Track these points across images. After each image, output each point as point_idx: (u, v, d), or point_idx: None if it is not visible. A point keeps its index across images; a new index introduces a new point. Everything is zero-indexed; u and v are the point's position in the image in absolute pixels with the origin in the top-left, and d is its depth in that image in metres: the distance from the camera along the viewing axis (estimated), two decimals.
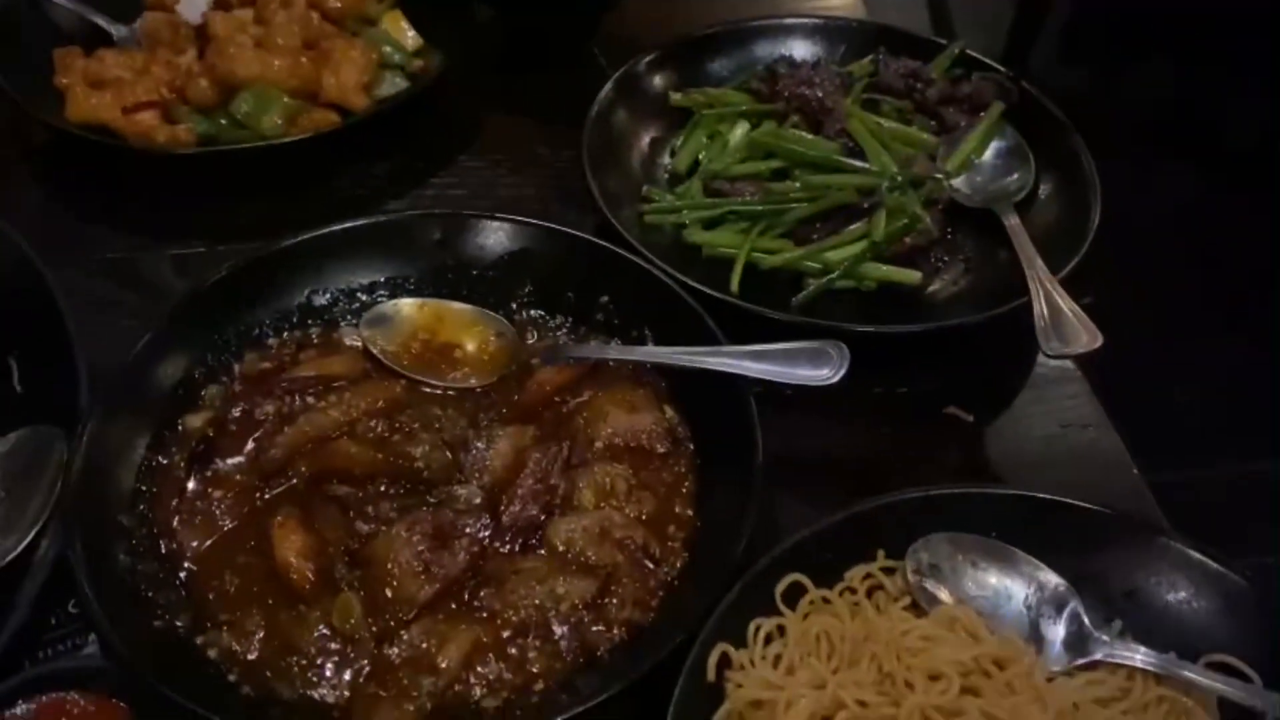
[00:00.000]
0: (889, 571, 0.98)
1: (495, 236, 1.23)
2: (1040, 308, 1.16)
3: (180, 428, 1.08)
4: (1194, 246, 1.51)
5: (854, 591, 0.96)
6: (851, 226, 1.31)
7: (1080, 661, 0.94)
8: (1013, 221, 1.30)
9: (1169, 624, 0.96)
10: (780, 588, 0.95)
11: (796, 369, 1.07)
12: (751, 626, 0.93)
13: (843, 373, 1.06)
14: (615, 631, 0.95)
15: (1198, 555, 0.97)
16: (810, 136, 1.39)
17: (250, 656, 0.93)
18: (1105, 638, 0.95)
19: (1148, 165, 1.48)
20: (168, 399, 1.09)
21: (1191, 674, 0.91)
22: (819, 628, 0.93)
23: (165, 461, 1.06)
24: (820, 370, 1.07)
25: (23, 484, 1.02)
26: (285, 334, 1.17)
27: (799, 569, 0.96)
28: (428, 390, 1.14)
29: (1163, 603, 0.97)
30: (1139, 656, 0.93)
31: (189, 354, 1.12)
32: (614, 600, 0.96)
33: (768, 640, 0.93)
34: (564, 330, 1.20)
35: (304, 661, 0.93)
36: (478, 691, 0.91)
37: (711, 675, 0.89)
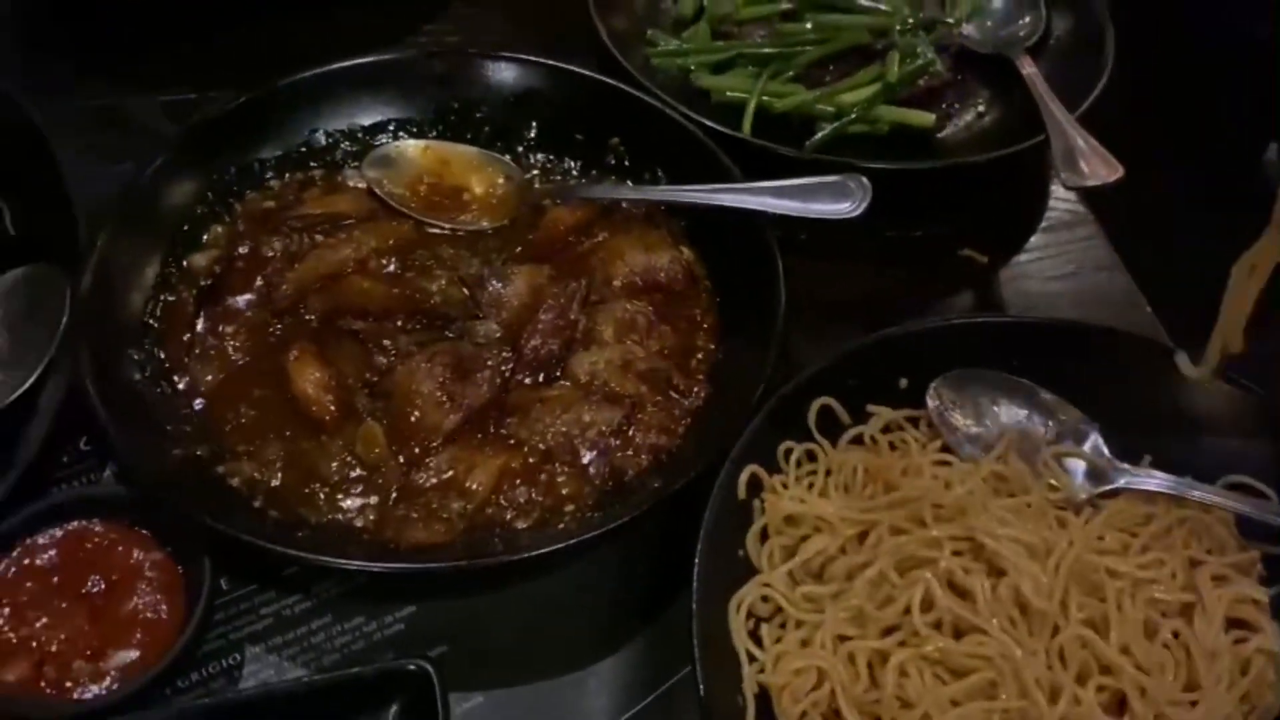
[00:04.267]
0: (914, 421, 0.98)
1: (500, 76, 1.19)
2: (1058, 142, 1.14)
3: (185, 265, 1.05)
4: (1209, 86, 1.49)
5: (888, 430, 0.96)
6: (864, 69, 1.28)
7: (1103, 489, 0.94)
8: (1028, 69, 1.28)
9: (1187, 449, 0.97)
10: (812, 412, 0.94)
11: (817, 203, 1.06)
12: (781, 449, 0.93)
13: (865, 205, 1.04)
14: (642, 457, 0.94)
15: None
16: None
17: (274, 483, 0.92)
18: (1125, 465, 0.96)
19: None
20: (171, 235, 1.06)
21: (1210, 495, 0.93)
22: (855, 461, 0.93)
23: (172, 299, 1.03)
24: (841, 204, 1.05)
25: (25, 322, 0.99)
26: (287, 175, 1.14)
27: (827, 393, 0.95)
28: (436, 231, 1.11)
29: (1181, 429, 0.98)
30: (1158, 481, 0.94)
31: (191, 190, 1.08)
32: (639, 427, 0.96)
33: (798, 466, 0.93)
34: (574, 173, 1.17)
35: (328, 489, 0.92)
36: (509, 514, 0.91)
37: (743, 493, 0.89)
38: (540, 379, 1.00)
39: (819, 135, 1.25)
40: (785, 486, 0.91)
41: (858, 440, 0.96)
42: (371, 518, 0.90)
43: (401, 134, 1.18)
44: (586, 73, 1.19)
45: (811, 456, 0.94)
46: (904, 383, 0.99)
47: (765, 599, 0.86)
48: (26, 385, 0.94)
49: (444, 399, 0.96)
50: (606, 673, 0.89)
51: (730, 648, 0.83)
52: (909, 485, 0.91)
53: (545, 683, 0.88)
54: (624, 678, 0.88)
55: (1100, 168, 1.11)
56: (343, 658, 0.89)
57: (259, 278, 1.04)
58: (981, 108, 1.31)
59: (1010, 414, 0.99)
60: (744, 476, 0.90)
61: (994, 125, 1.29)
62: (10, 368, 0.97)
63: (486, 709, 0.86)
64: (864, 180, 1.06)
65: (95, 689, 0.81)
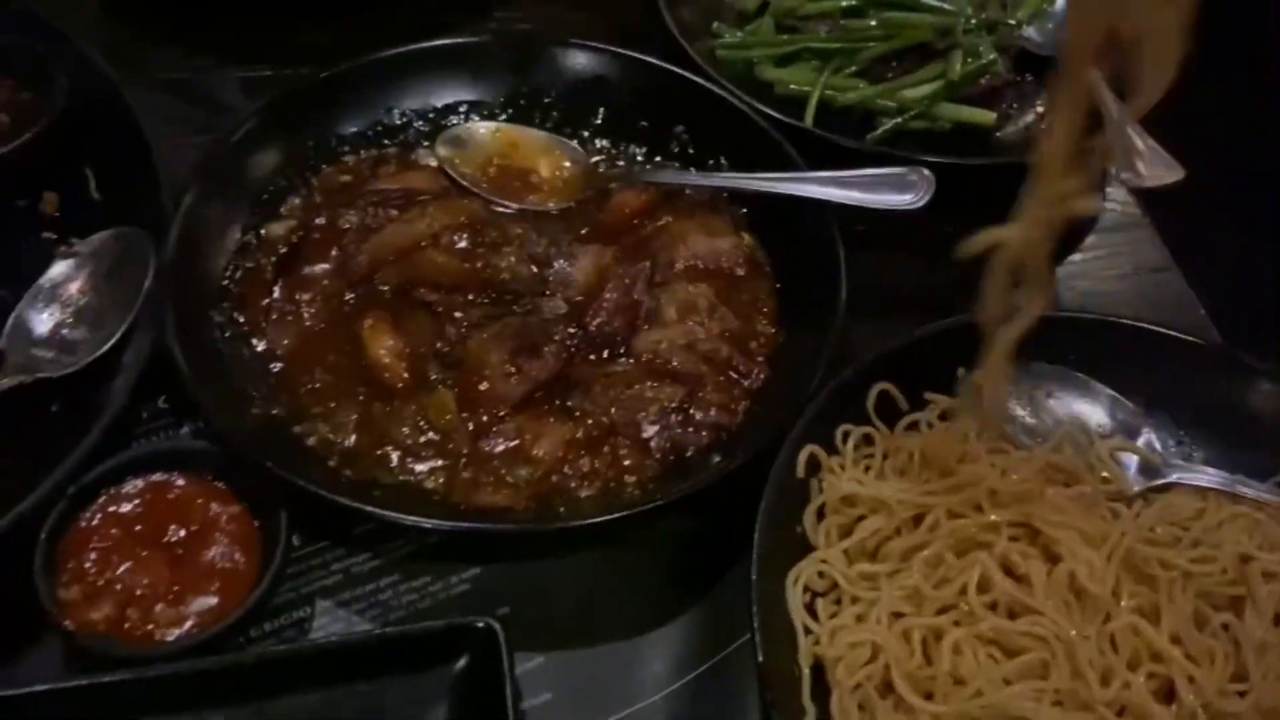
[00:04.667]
0: None
1: (570, 63, 1.22)
2: (1117, 143, 1.15)
3: (263, 234, 1.09)
4: (1270, 88, 1.49)
5: (945, 418, 0.98)
6: (926, 67, 1.30)
7: (1155, 483, 0.96)
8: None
9: (1239, 447, 0.98)
10: (871, 398, 0.96)
11: (880, 195, 1.08)
12: (839, 432, 0.95)
13: (928, 198, 1.06)
14: (703, 434, 0.97)
15: (1268, 380, 0.99)
16: None
17: (347, 444, 0.95)
18: (1178, 461, 0.98)
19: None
20: (250, 204, 1.09)
21: (1262, 493, 0.94)
22: (912, 446, 0.94)
23: (251, 265, 1.06)
24: (904, 196, 1.07)
25: (111, 282, 1.03)
26: (362, 151, 1.17)
27: (886, 379, 0.97)
28: (505, 211, 1.14)
29: (1233, 426, 0.99)
30: (1209, 477, 0.96)
31: (271, 162, 1.12)
32: (700, 406, 0.98)
33: (855, 449, 0.95)
34: (638, 159, 1.20)
35: (400, 452, 0.95)
36: (573, 483, 0.94)
37: (801, 472, 0.91)
38: (604, 355, 1.02)
39: (879, 130, 1.27)
40: (842, 468, 0.93)
41: (913, 427, 0.98)
42: (441, 480, 0.93)
43: (473, 116, 1.21)
44: (655, 61, 1.22)
45: (868, 440, 0.96)
46: (961, 372, 1.00)
47: (821, 575, 0.88)
48: (112, 341, 0.98)
49: (512, 371, 0.99)
50: (663, 641, 0.91)
51: (786, 620, 0.86)
52: (966, 472, 0.92)
53: (604, 647, 0.91)
54: (679, 646, 0.91)
55: (1160, 169, 1.12)
56: (409, 615, 0.92)
57: (335, 248, 1.07)
58: (1041, 108, 1.32)
59: (1066, 407, 1.01)
60: (803, 456, 0.92)
61: None
62: (96, 325, 1.00)
63: (547, 669, 0.89)
64: (927, 173, 1.08)
65: (175, 632, 0.84)
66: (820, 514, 0.92)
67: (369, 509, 0.88)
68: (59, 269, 1.04)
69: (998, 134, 1.29)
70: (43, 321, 1.01)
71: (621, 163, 1.20)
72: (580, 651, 0.90)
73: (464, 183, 1.15)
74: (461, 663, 0.84)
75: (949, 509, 0.90)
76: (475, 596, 0.93)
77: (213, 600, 0.86)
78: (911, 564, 0.87)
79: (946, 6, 1.34)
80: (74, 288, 1.02)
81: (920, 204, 1.06)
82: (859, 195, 1.08)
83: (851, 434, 0.95)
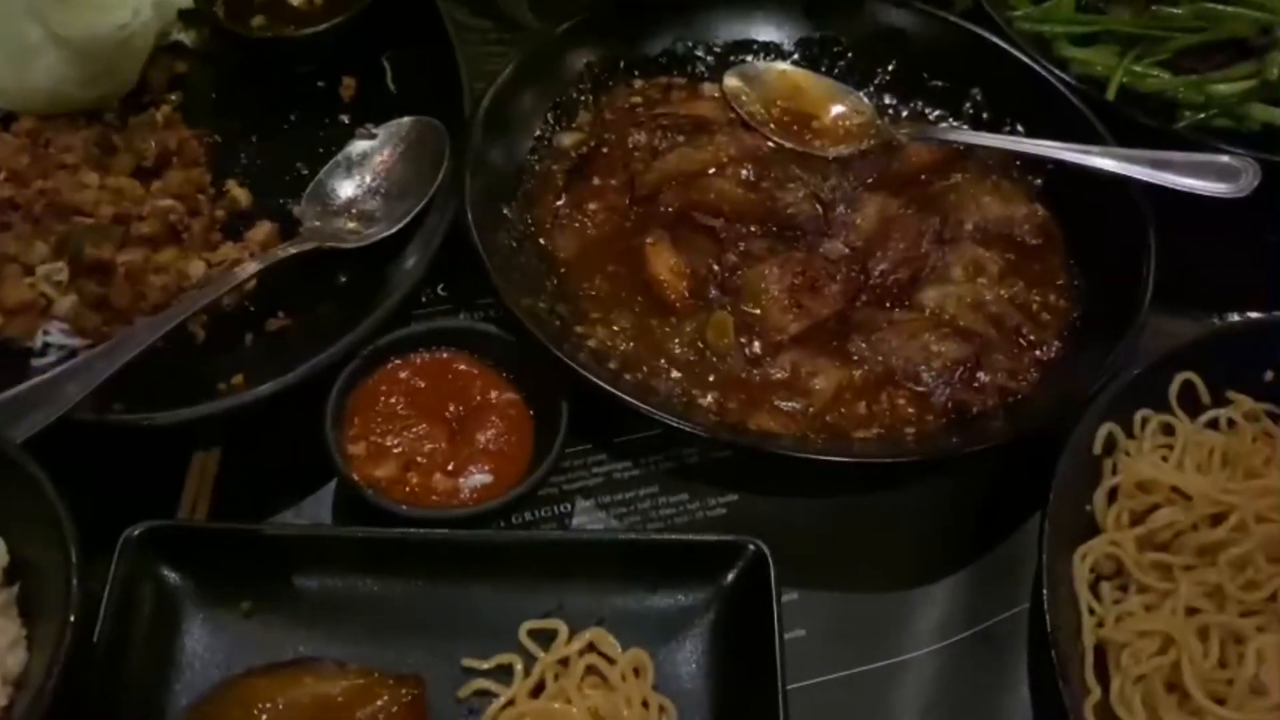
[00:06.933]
0: (1275, 418, 0.93)
1: (866, 11, 1.19)
2: None
3: (552, 143, 1.10)
4: None
5: (1253, 420, 0.92)
6: (1239, 64, 1.22)
7: None
8: None
9: None
10: (1174, 386, 0.91)
11: (1199, 180, 1.01)
12: (1138, 416, 0.90)
13: (1254, 186, 1.00)
14: (989, 396, 0.93)
15: None
16: None
17: (625, 349, 0.95)
18: None
19: None
20: (545, 112, 1.10)
21: None
22: (1214, 443, 0.89)
23: (540, 169, 1.07)
24: (1226, 184, 1.01)
25: (407, 164, 1.05)
26: (651, 77, 1.17)
27: (1191, 369, 0.92)
28: (788, 150, 1.12)
29: None
30: None
31: (566, 77, 1.13)
32: (987, 368, 0.94)
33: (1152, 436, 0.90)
34: (930, 116, 1.16)
35: (674, 366, 0.94)
36: (848, 424, 0.91)
37: (1098, 449, 0.87)
38: (885, 304, 0.99)
39: (1180, 124, 1.20)
40: (1139, 453, 0.88)
41: (1212, 424, 0.92)
42: (714, 400, 0.92)
43: (761, 55, 1.20)
44: (960, 21, 1.18)
45: (1166, 430, 0.91)
46: (1269, 375, 0.94)
47: (1108, 556, 0.84)
48: (410, 216, 1.00)
49: (791, 304, 0.97)
50: (925, 599, 0.88)
51: (1071, 596, 0.81)
52: (1274, 476, 0.86)
53: (866, 594, 0.88)
54: (944, 607, 0.87)
55: None
56: (666, 528, 0.91)
57: (622, 165, 1.07)
58: None
59: None
60: (1102, 433, 0.87)
61: None
62: (394, 201, 1.03)
63: (801, 606, 0.86)
64: (1253, 162, 1.01)
65: (451, 501, 0.85)
66: (1111, 496, 0.87)
67: (652, 410, 0.87)
68: (360, 146, 1.07)
69: None
70: (345, 189, 1.04)
71: (904, 116, 1.17)
72: (839, 594, 0.88)
73: (748, 119, 1.14)
74: (728, 578, 0.82)
75: (1256, 512, 0.84)
76: (733, 520, 0.91)
77: (487, 478, 0.87)
78: (1212, 561, 0.82)
79: (1264, 2, 1.26)
80: (377, 162, 1.05)
81: (1244, 193, 1.00)
82: (1175, 178, 1.02)
83: (1151, 420, 0.90)
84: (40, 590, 0.73)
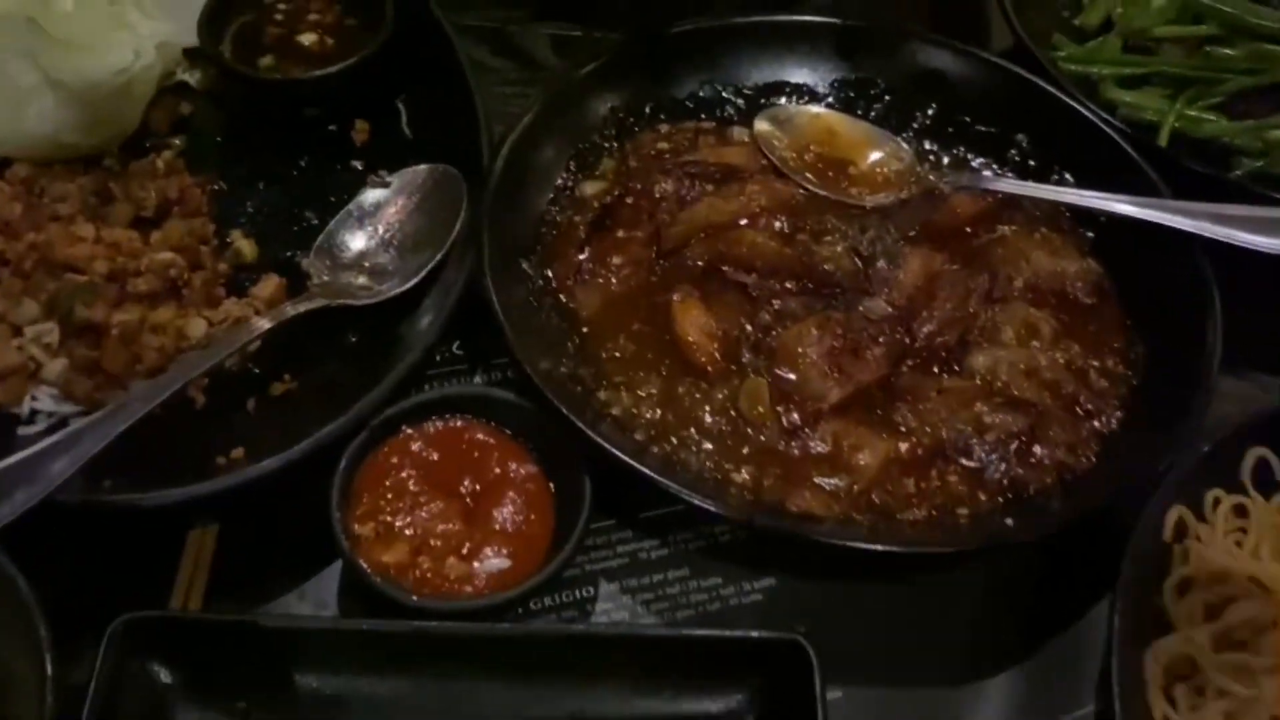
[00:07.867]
0: None
1: (903, 51, 1.14)
2: None
3: (574, 192, 1.04)
4: None
5: None
6: None
7: None
8: None
9: None
10: (1247, 463, 0.84)
11: (1267, 237, 0.95)
12: (1209, 497, 0.83)
13: None
14: (1046, 474, 0.86)
15: None
16: (1254, 4, 1.23)
17: (651, 418, 0.88)
18: None
19: None
20: (567, 160, 1.05)
21: None
22: None
23: (561, 221, 1.01)
24: None
25: (421, 215, 1.00)
26: (678, 121, 1.11)
27: (1264, 444, 0.85)
28: (823, 199, 1.06)
29: None
30: None
31: (589, 122, 1.07)
32: (1044, 441, 0.87)
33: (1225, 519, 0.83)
34: (972, 163, 1.10)
35: (705, 437, 0.87)
36: (895, 503, 0.84)
37: (1169, 535, 0.80)
38: (936, 368, 0.93)
39: (1237, 171, 1.13)
40: (1211, 539, 0.81)
41: None
42: (748, 475, 0.86)
43: (793, 99, 1.14)
44: (1001, 61, 1.12)
45: (1240, 511, 0.84)
46: None
47: (1183, 656, 0.76)
48: (424, 272, 0.94)
49: (831, 369, 0.90)
50: (980, 698, 0.81)
51: (1144, 703, 0.74)
52: None
53: (913, 690, 0.81)
54: (1001, 708, 0.80)
55: None
56: (697, 615, 0.84)
57: (648, 215, 1.01)
58: None
59: None
60: (1171, 518, 0.80)
61: None
62: (406, 256, 0.97)
63: (847, 706, 0.79)
64: None
65: (466, 589, 0.79)
66: (1183, 587, 0.80)
67: (681, 490, 0.80)
68: (372, 195, 1.01)
69: None
70: (356, 241, 0.98)
71: (946, 163, 1.10)
72: (885, 690, 0.81)
73: (780, 166, 1.08)
74: (767, 677, 0.75)
75: None
76: (770, 608, 0.85)
77: (504, 562, 0.80)
78: None
79: None
80: (390, 213, 0.99)
81: None
82: (1240, 234, 0.95)
83: (1223, 502, 0.83)
84: (14, 698, 0.66)
